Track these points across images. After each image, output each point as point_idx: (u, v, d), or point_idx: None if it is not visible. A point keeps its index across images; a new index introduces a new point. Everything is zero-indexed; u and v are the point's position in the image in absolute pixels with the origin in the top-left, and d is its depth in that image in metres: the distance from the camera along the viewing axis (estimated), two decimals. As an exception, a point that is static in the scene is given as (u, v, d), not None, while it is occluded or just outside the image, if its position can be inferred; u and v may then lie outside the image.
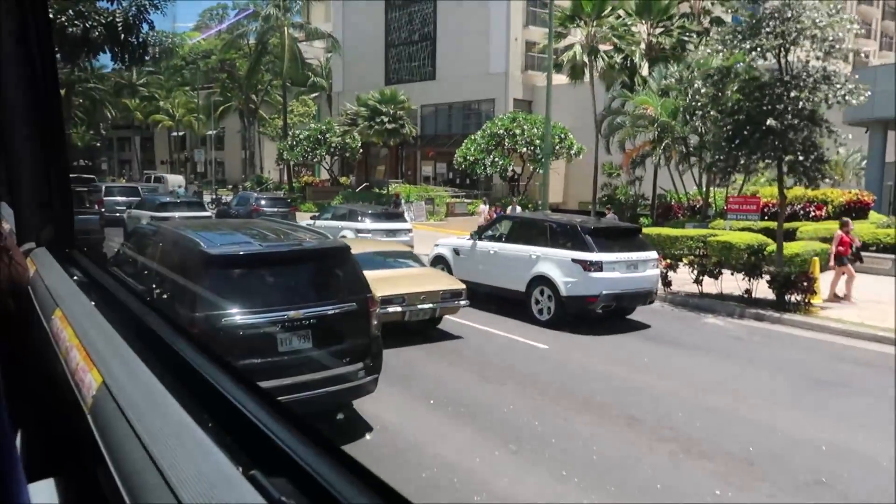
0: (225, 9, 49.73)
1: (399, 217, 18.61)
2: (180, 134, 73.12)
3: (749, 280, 12.81)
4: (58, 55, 7.98)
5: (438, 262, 13.33)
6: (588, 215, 27.67)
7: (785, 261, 14.61)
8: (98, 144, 66.67)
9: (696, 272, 13.40)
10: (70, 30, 7.88)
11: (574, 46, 23.62)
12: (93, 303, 1.61)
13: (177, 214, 18.75)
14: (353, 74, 47.44)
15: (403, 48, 45.18)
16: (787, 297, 12.20)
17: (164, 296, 5.98)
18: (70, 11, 8.07)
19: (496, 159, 31.79)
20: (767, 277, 12.52)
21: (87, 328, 1.39)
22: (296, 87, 61.07)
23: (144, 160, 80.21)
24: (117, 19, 8.23)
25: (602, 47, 25.16)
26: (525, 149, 31.71)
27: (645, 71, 25.72)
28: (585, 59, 23.91)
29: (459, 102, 42.10)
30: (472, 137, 33.31)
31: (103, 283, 1.96)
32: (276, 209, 22.85)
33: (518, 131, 31.87)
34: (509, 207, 22.66)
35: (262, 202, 23.86)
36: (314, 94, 62.64)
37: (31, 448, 1.62)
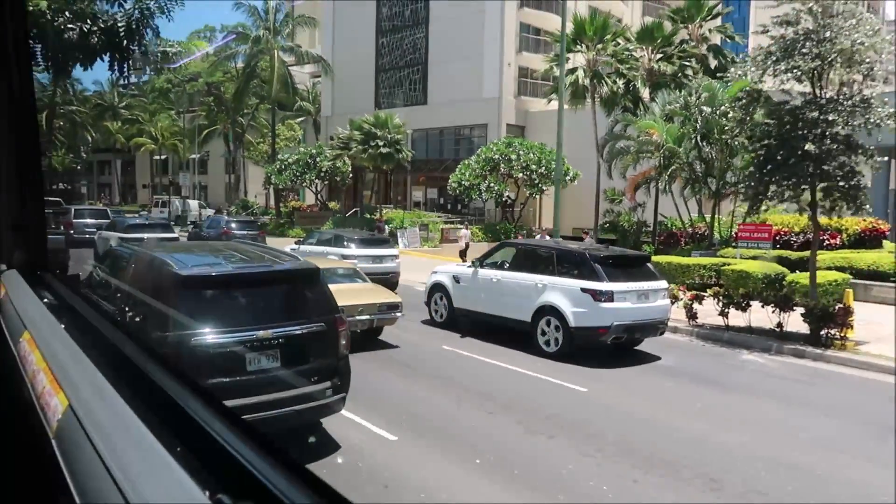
0: (212, 31, 49.09)
1: (385, 243, 18.35)
2: (162, 158, 71.94)
3: (780, 313, 12.15)
4: (48, 66, 7.18)
5: (436, 289, 12.75)
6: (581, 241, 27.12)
7: (803, 290, 13.98)
8: (78, 168, 65.08)
9: (721, 304, 12.75)
10: (66, 34, 7.03)
11: (577, 70, 23.16)
12: (62, 326, 1.60)
13: (145, 235, 19.32)
14: (342, 99, 46.90)
15: (394, 73, 44.76)
16: (822, 332, 11.54)
17: (137, 316, 6.03)
18: (67, 13, 7.18)
19: (491, 185, 31.16)
20: (802, 310, 11.85)
21: (55, 351, 1.39)
22: (282, 112, 60.46)
23: (125, 184, 78.74)
24: (119, 23, 7.39)
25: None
26: (521, 174, 31.12)
27: (645, 96, 25.36)
28: (587, 83, 23.45)
29: (451, 127, 41.66)
30: (467, 162, 32.69)
31: (74, 306, 1.93)
32: (245, 232, 23.64)
33: (514, 156, 31.29)
34: (538, 236, 21.20)
35: (233, 225, 24.68)
36: (300, 119, 62.11)
37: None
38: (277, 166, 37.66)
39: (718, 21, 26.15)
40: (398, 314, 10.44)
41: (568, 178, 31.82)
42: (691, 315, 12.96)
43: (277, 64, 38.04)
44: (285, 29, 39.62)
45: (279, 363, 5.71)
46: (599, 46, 23.34)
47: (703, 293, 13.10)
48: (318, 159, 36.58)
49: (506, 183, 31.71)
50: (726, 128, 13.14)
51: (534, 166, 30.96)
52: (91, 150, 71.49)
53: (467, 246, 24.34)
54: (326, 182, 37.54)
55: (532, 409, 7.73)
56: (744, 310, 12.54)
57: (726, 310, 12.73)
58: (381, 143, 28.80)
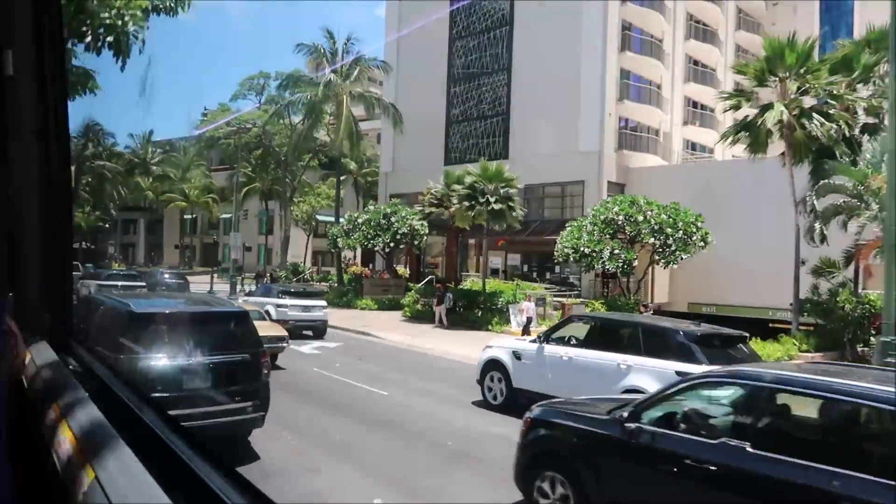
0: (267, 78, 44.82)
1: (316, 295, 21.16)
2: (192, 217, 67.47)
3: None
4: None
5: (492, 367, 11.48)
6: (700, 321, 21.60)
7: None
8: (106, 225, 60.43)
9: None
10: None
11: (775, 106, 17.93)
12: (88, 394, 1.62)
13: (119, 283, 25.13)
14: (405, 153, 42.28)
15: (468, 124, 40.15)
16: None
17: (104, 344, 7.02)
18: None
19: (615, 251, 25.70)
20: None
21: (80, 420, 1.41)
22: (322, 170, 56.00)
23: (152, 244, 74.00)
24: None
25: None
26: (652, 239, 25.72)
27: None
28: (784, 122, 18.12)
29: (537, 185, 36.57)
30: (578, 224, 27.40)
31: (99, 374, 2.00)
32: (173, 280, 30.51)
33: (640, 217, 26.01)
34: None
35: (166, 276, 32.51)
36: (342, 177, 57.83)
37: None
38: (344, 226, 32.51)
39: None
40: (284, 344, 13.76)
41: (703, 244, 26.52)
42: None
43: (346, 113, 33.42)
44: (353, 73, 35.20)
45: (210, 384, 7.09)
46: (809, 77, 18.11)
47: None
48: (392, 219, 31.44)
49: (633, 250, 26.27)
50: None
51: (669, 230, 25.61)
52: (118, 208, 67.05)
53: (529, 321, 21.35)
54: (403, 245, 32.24)
55: None
56: None
57: None
58: (492, 199, 23.53)
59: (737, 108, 19.04)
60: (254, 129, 41.24)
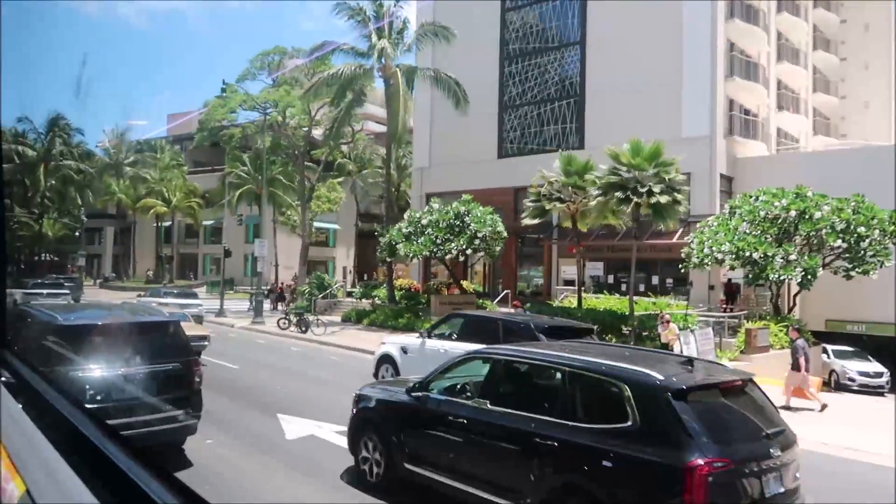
0: (283, 55, 37.57)
1: (192, 296, 26.47)
2: (167, 224, 59.55)
3: None
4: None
5: (385, 361, 13.05)
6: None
7: None
8: (77, 234, 52.22)
9: None
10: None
11: None
12: (20, 405, 1.57)
13: (44, 291, 29.07)
14: (445, 145, 35.86)
15: (528, 109, 33.89)
16: None
17: (34, 356, 6.87)
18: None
19: (791, 257, 19.77)
20: None
21: (11, 432, 1.36)
22: (322, 172, 49.06)
23: (121, 255, 65.39)
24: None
25: None
26: (839, 240, 19.91)
27: None
28: None
29: (623, 179, 30.54)
30: (722, 221, 21.45)
31: (33, 385, 1.91)
32: (70, 283, 36.00)
33: (817, 213, 20.21)
34: None
35: (62, 279, 36.76)
36: (339, 179, 51.15)
37: None
38: (404, 229, 25.86)
39: None
40: (206, 343, 14.77)
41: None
42: None
43: (403, 89, 26.87)
44: (402, 42, 28.71)
45: (142, 394, 7.08)
46: None
47: None
48: (466, 219, 25.01)
49: (816, 257, 20.36)
50: None
51: (862, 229, 19.83)
52: (86, 214, 58.71)
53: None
54: (481, 253, 25.77)
55: None
56: None
57: None
58: (656, 190, 17.31)
59: None
60: (272, 114, 34.01)
